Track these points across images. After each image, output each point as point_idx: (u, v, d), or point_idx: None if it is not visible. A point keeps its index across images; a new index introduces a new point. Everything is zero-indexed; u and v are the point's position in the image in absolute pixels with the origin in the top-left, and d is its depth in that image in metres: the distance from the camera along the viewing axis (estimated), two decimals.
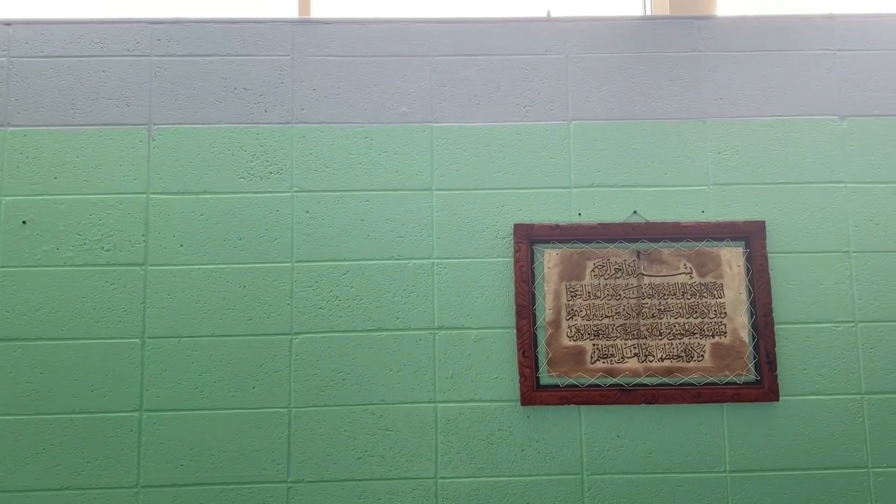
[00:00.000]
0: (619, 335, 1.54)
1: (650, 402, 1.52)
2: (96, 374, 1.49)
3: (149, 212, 1.53)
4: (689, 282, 1.56)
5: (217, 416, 1.49)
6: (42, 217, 1.52)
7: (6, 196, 1.53)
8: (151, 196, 1.54)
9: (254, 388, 1.50)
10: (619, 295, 1.55)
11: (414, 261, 1.56)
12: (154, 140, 1.56)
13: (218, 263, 1.53)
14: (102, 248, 1.52)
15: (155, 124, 1.56)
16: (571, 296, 1.55)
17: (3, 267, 1.50)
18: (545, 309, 1.54)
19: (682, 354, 1.54)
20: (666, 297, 1.55)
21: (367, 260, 1.55)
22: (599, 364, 1.53)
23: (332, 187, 1.57)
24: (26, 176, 1.53)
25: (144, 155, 1.55)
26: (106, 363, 1.49)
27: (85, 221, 1.52)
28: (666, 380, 1.53)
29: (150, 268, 1.52)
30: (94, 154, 1.54)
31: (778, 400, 1.51)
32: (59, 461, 1.47)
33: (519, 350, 1.52)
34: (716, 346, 1.54)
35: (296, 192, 1.56)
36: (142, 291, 1.51)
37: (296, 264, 1.54)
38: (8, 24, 1.58)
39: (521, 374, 1.52)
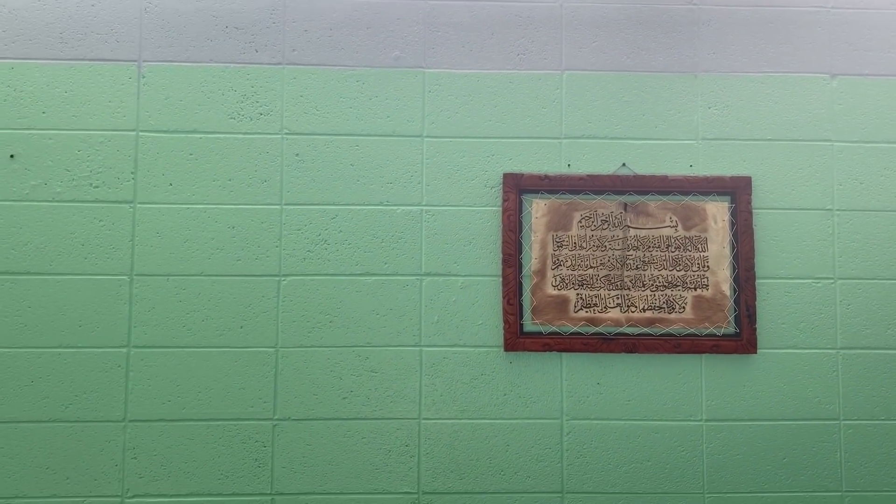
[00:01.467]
0: (602, 285, 1.73)
1: (631, 352, 1.71)
2: (84, 309, 1.65)
3: (138, 149, 1.69)
4: (674, 235, 1.74)
5: (204, 353, 1.67)
6: (30, 151, 1.67)
7: None
8: (141, 134, 1.69)
9: (241, 327, 1.68)
10: (605, 246, 1.74)
11: (403, 207, 1.73)
12: (144, 77, 1.71)
13: (207, 203, 1.69)
14: (91, 184, 1.67)
15: (145, 61, 1.71)
16: (558, 246, 1.73)
17: None
18: (531, 258, 1.72)
19: (664, 306, 1.73)
20: (651, 249, 1.74)
21: (356, 205, 1.72)
22: (583, 313, 1.72)
23: (322, 130, 1.73)
24: (14, 109, 1.68)
25: (134, 92, 1.70)
26: (94, 299, 1.66)
27: (73, 157, 1.68)
28: (647, 330, 1.72)
29: (139, 206, 1.68)
30: (84, 89, 1.69)
31: (756, 352, 1.71)
32: (47, 394, 1.64)
33: (504, 297, 1.71)
34: (697, 299, 1.73)
35: (286, 134, 1.72)
36: (130, 229, 1.67)
37: (285, 207, 1.71)
38: None
39: (506, 321, 1.70)
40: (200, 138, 1.68)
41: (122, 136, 1.67)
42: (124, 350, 1.64)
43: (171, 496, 1.63)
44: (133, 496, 1.63)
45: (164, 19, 1.70)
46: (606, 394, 1.69)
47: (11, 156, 1.65)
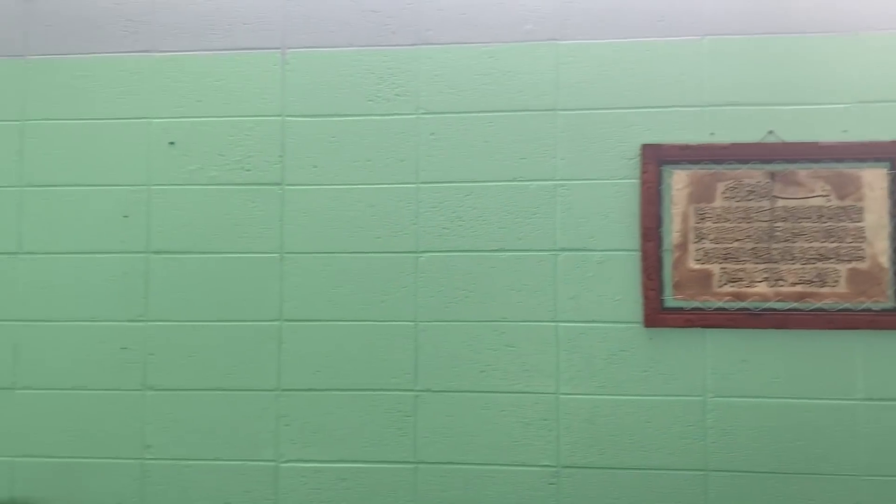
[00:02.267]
0: (749, 259, 1.76)
1: (780, 328, 1.73)
2: (240, 285, 1.86)
3: (284, 134, 1.87)
4: (827, 205, 1.74)
5: (349, 326, 1.84)
6: (187, 138, 1.89)
7: (155, 118, 1.90)
8: (286, 119, 1.87)
9: (383, 301, 1.83)
10: (751, 218, 1.76)
11: (537, 182, 1.82)
12: (288, 63, 1.88)
13: (348, 184, 1.85)
14: (243, 168, 1.87)
15: (288, 48, 1.88)
16: (700, 218, 1.77)
17: (154, 185, 1.89)
18: (672, 231, 1.77)
19: (816, 279, 1.74)
20: (800, 220, 1.75)
21: (490, 181, 1.83)
22: (727, 288, 1.76)
23: (456, 108, 1.84)
24: (172, 99, 1.90)
25: (279, 78, 1.88)
26: (248, 275, 1.86)
27: (226, 143, 1.88)
28: (797, 305, 1.74)
29: (287, 187, 1.86)
30: (233, 78, 1.89)
31: None
32: (209, 364, 1.87)
33: (643, 272, 1.77)
34: (852, 272, 1.73)
35: (421, 113, 1.85)
36: (279, 209, 1.86)
37: (421, 185, 1.85)
38: None
39: (646, 297, 1.77)
40: (341, 121, 1.84)
41: (270, 121, 1.86)
42: (277, 323, 1.84)
43: (322, 461, 1.82)
44: (286, 461, 1.83)
45: (305, 7, 1.87)
46: (753, 371, 1.73)
47: (171, 143, 1.87)
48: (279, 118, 1.85)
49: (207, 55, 1.87)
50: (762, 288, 1.73)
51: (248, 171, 1.85)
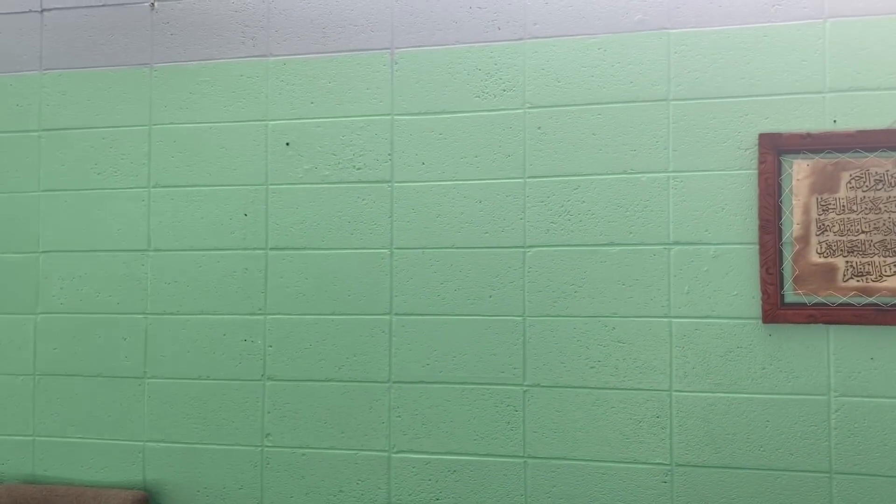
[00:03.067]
0: (877, 252, 1.76)
1: None
2: (352, 280, 2.02)
3: (393, 132, 2.02)
4: None
5: (458, 321, 1.97)
6: (302, 139, 2.07)
7: (272, 121, 2.09)
8: (395, 117, 2.02)
9: (490, 296, 1.95)
10: (879, 208, 1.76)
11: (648, 174, 1.89)
12: (396, 63, 2.03)
13: (456, 180, 1.98)
14: (354, 166, 2.03)
15: (396, 48, 2.03)
16: (823, 210, 1.79)
17: (271, 184, 2.08)
18: (792, 224, 1.80)
19: None
20: None
21: (599, 174, 1.91)
22: (853, 282, 1.77)
23: (563, 102, 1.93)
24: (287, 101, 2.08)
25: (388, 78, 2.02)
26: (360, 271, 2.02)
27: (338, 142, 2.04)
28: None
29: (396, 184, 2.01)
30: (344, 79, 2.05)
31: None
32: (324, 356, 2.04)
33: (762, 266, 1.81)
34: None
35: (528, 108, 1.95)
36: (389, 206, 2.01)
37: (528, 180, 1.95)
38: None
39: (764, 292, 1.80)
40: (448, 118, 1.97)
41: (379, 120, 2.01)
42: (387, 317, 1.99)
43: (432, 453, 1.96)
44: (398, 451, 1.98)
45: (413, 6, 2.00)
46: (882, 369, 1.73)
47: (287, 143, 2.05)
48: (388, 117, 1.99)
49: (319, 58, 2.04)
50: (892, 282, 1.73)
51: (358, 169, 2.00)
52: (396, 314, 1.97)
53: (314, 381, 2.01)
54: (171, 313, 2.09)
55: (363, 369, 1.99)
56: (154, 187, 2.12)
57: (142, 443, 2.10)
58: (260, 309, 2.03)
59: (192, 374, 2.07)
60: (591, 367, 1.87)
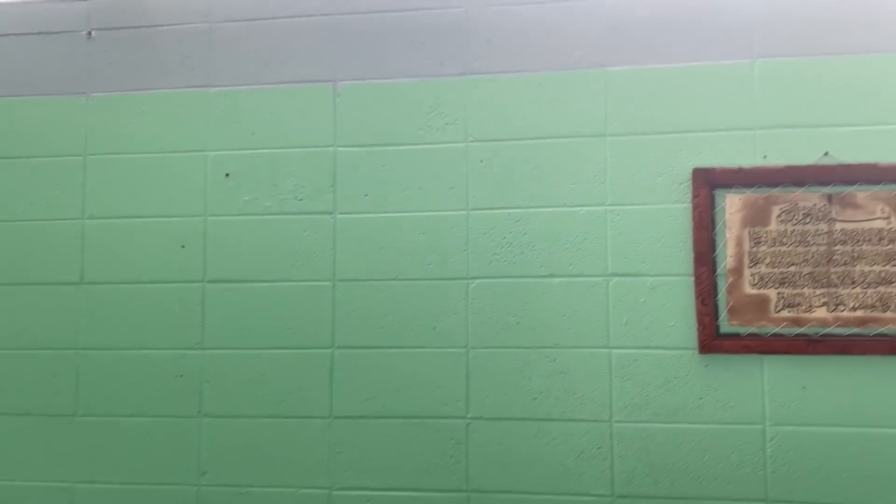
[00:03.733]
0: (807, 283, 1.83)
1: (841, 354, 1.79)
2: (293, 313, 2.00)
3: (336, 164, 2.02)
4: (887, 227, 1.80)
5: (401, 353, 1.96)
6: (242, 170, 2.05)
7: (212, 151, 2.07)
8: (338, 149, 2.03)
9: (434, 328, 1.95)
10: (808, 241, 1.84)
11: (587, 207, 1.93)
12: (339, 95, 2.04)
13: (399, 212, 1.99)
14: (296, 197, 2.03)
15: (339, 81, 2.04)
16: (755, 242, 1.85)
17: (211, 216, 2.06)
18: (726, 256, 1.86)
19: (878, 304, 1.80)
20: (860, 243, 1.81)
21: (540, 207, 1.95)
22: (785, 313, 1.83)
23: (505, 136, 1.97)
24: (227, 132, 2.07)
25: (331, 110, 2.04)
26: (301, 303, 2.00)
27: (280, 173, 2.04)
28: (859, 330, 1.80)
29: (339, 216, 2.01)
30: (286, 111, 2.05)
31: None
32: (263, 391, 2.01)
33: (697, 297, 1.86)
34: None
35: (471, 141, 1.98)
36: (331, 238, 2.01)
37: (471, 212, 1.97)
38: None
39: (700, 322, 1.85)
40: (392, 150, 1.99)
41: (322, 151, 2.01)
42: (329, 351, 1.98)
43: (375, 489, 1.94)
44: (340, 489, 1.95)
45: (355, 40, 2.03)
46: (814, 398, 1.79)
47: (227, 175, 2.04)
48: (331, 149, 2.00)
49: (261, 89, 2.04)
50: (821, 313, 1.80)
51: (300, 200, 2.00)
52: (338, 347, 1.96)
53: (253, 417, 1.98)
54: (105, 348, 2.04)
55: (304, 405, 1.96)
56: (88, 219, 2.07)
57: (71, 484, 2.02)
58: (197, 343, 2.00)
59: (126, 412, 2.02)
60: (534, 399, 1.88)
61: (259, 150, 2.02)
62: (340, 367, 1.95)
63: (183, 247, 2.02)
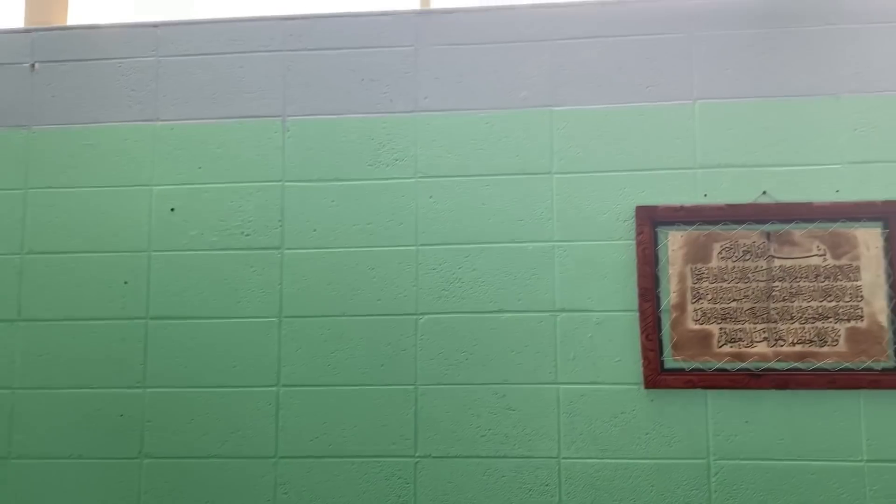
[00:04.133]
0: (747, 319, 1.88)
1: (781, 388, 1.84)
2: (238, 350, 1.98)
3: (284, 199, 2.02)
4: (823, 264, 1.87)
5: (348, 391, 1.95)
6: (188, 205, 2.03)
7: (157, 185, 2.05)
8: (286, 184, 2.02)
9: (382, 365, 1.95)
10: (748, 278, 1.89)
11: (534, 244, 1.96)
12: (288, 131, 2.04)
13: (348, 247, 1.99)
14: (242, 233, 2.01)
15: (288, 116, 2.05)
16: (697, 279, 1.90)
17: (154, 251, 2.03)
18: (669, 292, 1.90)
19: (815, 339, 1.85)
20: (798, 279, 1.87)
21: (489, 243, 1.97)
22: (727, 348, 1.87)
23: (454, 173, 1.99)
24: (174, 167, 2.05)
25: (280, 145, 2.04)
26: (247, 340, 1.98)
27: (226, 208, 2.02)
28: (798, 365, 1.85)
29: (286, 251, 2.00)
30: (234, 145, 2.04)
31: None
32: (206, 431, 1.96)
33: (642, 333, 1.89)
34: (852, 331, 1.84)
35: (420, 177, 2.00)
36: (278, 274, 1.99)
37: (420, 247, 1.98)
38: (155, 26, 2.11)
39: (645, 358, 1.88)
40: (341, 186, 1.99)
41: (270, 186, 2.01)
42: (274, 389, 1.95)
43: None
44: None
45: (305, 75, 2.04)
46: (756, 432, 1.82)
47: (172, 209, 2.02)
48: (279, 184, 2.00)
49: (209, 123, 2.04)
50: (762, 348, 1.84)
51: (247, 235, 1.98)
52: (284, 385, 1.93)
53: (195, 457, 1.93)
54: (42, 388, 1.98)
55: (248, 444, 1.93)
56: (27, 254, 2.02)
57: None
58: (138, 382, 1.95)
59: (63, 454, 1.95)
60: (482, 436, 1.88)
61: (206, 185, 2.01)
62: (286, 405, 1.92)
63: (126, 283, 1.99)
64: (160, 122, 2.04)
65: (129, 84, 2.05)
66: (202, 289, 1.97)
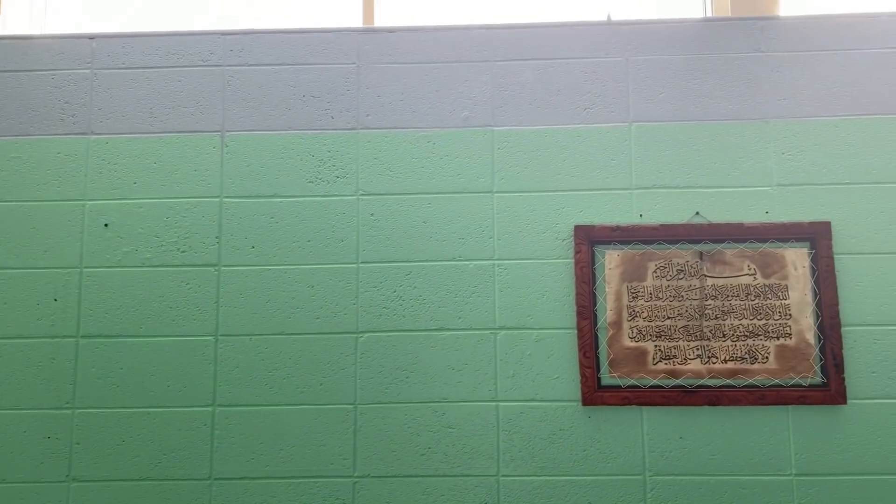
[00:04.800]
0: (681, 336, 1.93)
1: (713, 404, 1.89)
2: (172, 369, 1.94)
3: (222, 215, 1.99)
4: (753, 283, 1.93)
5: (286, 411, 1.92)
6: (122, 220, 1.99)
7: (90, 200, 2.00)
8: (224, 200, 2.00)
9: (321, 384, 1.93)
10: (682, 296, 1.94)
11: (475, 262, 1.97)
12: (227, 146, 2.03)
13: (287, 264, 1.97)
14: (178, 249, 1.98)
15: (228, 131, 2.03)
16: (633, 297, 1.94)
17: (86, 268, 1.98)
18: (606, 310, 1.94)
19: (746, 356, 1.91)
20: (729, 298, 1.93)
21: (430, 261, 1.98)
22: (661, 365, 1.92)
23: (395, 191, 2.00)
24: (108, 181, 2.01)
25: (218, 160, 2.02)
26: (181, 359, 1.94)
27: (162, 224, 1.99)
28: (730, 381, 1.90)
29: (223, 268, 1.98)
30: (171, 160, 2.02)
31: (846, 403, 1.86)
32: (137, 453, 1.92)
33: (580, 350, 1.92)
34: (781, 348, 1.91)
35: (361, 195, 2.00)
36: (215, 291, 1.97)
37: (361, 265, 1.98)
38: (91, 37, 2.07)
39: (583, 375, 1.91)
40: (281, 202, 1.98)
41: (207, 202, 1.98)
42: (210, 409, 1.91)
43: None
44: None
45: (245, 91, 2.03)
46: (690, 448, 1.87)
47: (105, 225, 1.97)
48: (217, 199, 1.97)
49: (145, 137, 2.00)
50: (695, 365, 1.89)
51: (183, 252, 1.95)
52: (220, 405, 1.90)
53: (126, 480, 1.88)
54: None
55: (182, 466, 1.88)
56: None
57: None
58: (67, 403, 1.89)
59: None
60: (422, 455, 1.88)
61: (141, 200, 1.97)
62: (222, 425, 1.89)
63: (56, 300, 1.93)
64: (94, 136, 2.00)
65: (63, 96, 2.01)
66: (136, 306, 1.93)
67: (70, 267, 1.94)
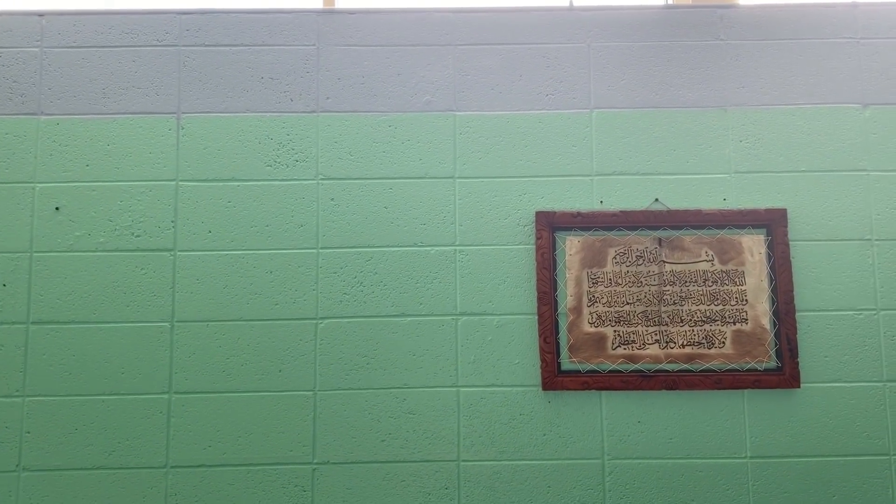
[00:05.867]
0: (640, 322, 1.95)
1: (671, 388, 1.92)
2: (127, 356, 1.91)
3: (178, 198, 1.96)
4: (711, 269, 1.96)
5: (244, 398, 1.91)
6: (74, 203, 1.95)
7: (40, 183, 1.95)
8: (180, 183, 1.97)
9: (280, 371, 1.92)
10: (641, 282, 1.96)
11: (437, 248, 1.97)
12: (183, 128, 1.99)
13: (245, 249, 1.95)
14: (133, 233, 1.94)
15: (184, 113, 1.99)
16: (593, 283, 1.96)
17: (36, 252, 1.93)
18: (567, 296, 1.95)
19: (704, 341, 1.94)
20: (687, 284, 1.96)
21: (391, 247, 1.97)
22: (620, 350, 1.94)
23: (356, 175, 1.99)
24: (59, 163, 1.96)
25: (174, 143, 1.98)
26: (136, 346, 1.91)
27: (116, 208, 1.95)
28: (687, 366, 1.93)
29: (179, 253, 1.94)
30: (125, 142, 1.97)
31: (799, 387, 1.90)
32: (91, 441, 1.88)
33: (540, 336, 1.93)
34: (737, 333, 1.94)
35: (321, 179, 1.99)
36: (171, 276, 1.93)
37: (321, 250, 1.96)
38: (41, 15, 2.01)
39: (543, 360, 1.92)
40: (239, 186, 1.95)
41: (163, 185, 1.95)
42: (166, 396, 1.89)
43: None
44: None
45: (201, 72, 1.99)
46: (647, 432, 1.89)
47: (57, 208, 1.93)
48: (173, 183, 1.94)
49: (98, 119, 1.96)
50: (654, 350, 1.91)
51: (137, 236, 1.92)
52: (176, 392, 1.87)
53: (80, 469, 1.85)
54: None
55: (137, 454, 1.85)
56: None
57: None
58: (17, 391, 1.85)
59: None
60: (382, 441, 1.88)
61: (93, 183, 1.93)
62: (178, 412, 1.87)
63: (4, 285, 1.88)
64: (44, 116, 1.95)
65: (11, 75, 1.95)
66: (89, 292, 1.89)
67: (19, 251, 1.89)
